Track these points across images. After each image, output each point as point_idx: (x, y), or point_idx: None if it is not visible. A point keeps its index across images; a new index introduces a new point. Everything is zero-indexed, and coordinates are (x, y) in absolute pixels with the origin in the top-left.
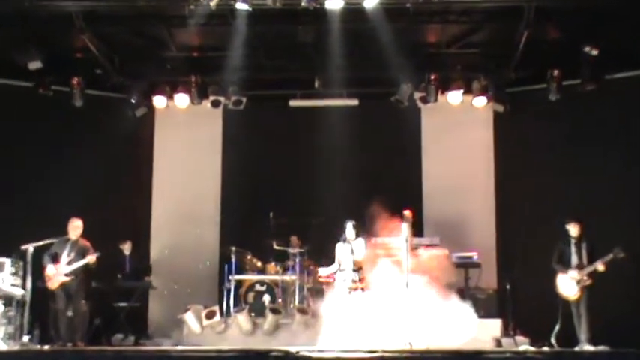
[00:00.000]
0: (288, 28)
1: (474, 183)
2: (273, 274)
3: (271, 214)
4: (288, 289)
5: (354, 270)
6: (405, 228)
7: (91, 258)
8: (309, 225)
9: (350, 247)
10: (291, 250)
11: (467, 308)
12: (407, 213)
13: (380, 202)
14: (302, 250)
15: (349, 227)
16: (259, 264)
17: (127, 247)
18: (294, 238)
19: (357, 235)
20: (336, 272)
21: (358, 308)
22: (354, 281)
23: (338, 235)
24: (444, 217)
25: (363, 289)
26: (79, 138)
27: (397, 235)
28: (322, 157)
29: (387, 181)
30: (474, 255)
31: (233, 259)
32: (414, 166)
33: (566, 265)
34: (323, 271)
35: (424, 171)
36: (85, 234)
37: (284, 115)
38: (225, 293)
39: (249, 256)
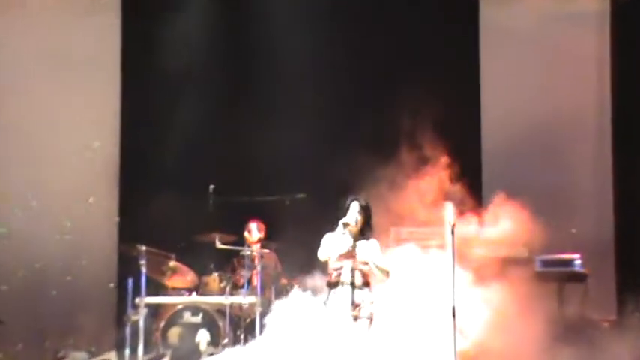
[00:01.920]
0: None
1: (573, 127)
2: (216, 293)
3: (210, 188)
4: (241, 320)
5: (360, 287)
6: (449, 211)
7: None
8: (278, 206)
9: (352, 245)
10: (247, 251)
11: None
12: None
13: (401, 165)
14: (267, 251)
15: (354, 208)
16: (190, 276)
17: None
18: (252, 229)
19: (368, 224)
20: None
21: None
22: (356, 306)
23: (330, 222)
24: (519, 189)
25: (371, 321)
26: None
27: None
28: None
29: (412, 125)
30: (576, 259)
31: (143, 269)
32: (462, 96)
33: None
34: (329, 250)
35: (483, 106)
36: None
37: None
38: (127, 329)
39: (171, 263)
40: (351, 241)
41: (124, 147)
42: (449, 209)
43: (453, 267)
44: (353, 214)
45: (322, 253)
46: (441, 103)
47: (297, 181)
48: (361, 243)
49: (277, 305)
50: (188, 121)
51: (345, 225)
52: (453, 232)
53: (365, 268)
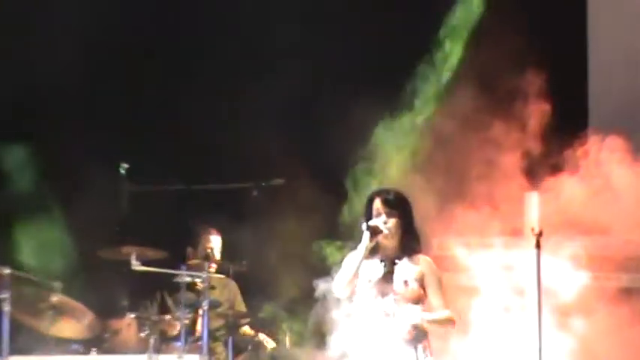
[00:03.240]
0: None
1: None
2: (132, 349)
3: (122, 169)
4: None
5: (407, 342)
6: (533, 213)
7: None
8: (240, 200)
9: (387, 269)
10: (187, 278)
11: None
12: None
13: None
14: (220, 277)
15: (376, 209)
16: (87, 320)
17: None
18: (207, 240)
19: (409, 231)
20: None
21: None
22: None
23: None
24: None
25: None
26: None
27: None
28: None
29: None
30: None
31: (5, 307)
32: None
33: None
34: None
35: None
36: None
37: None
38: None
39: (54, 298)
40: (383, 264)
41: None
42: (533, 204)
43: (539, 300)
44: (378, 217)
45: (340, 284)
46: None
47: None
48: (404, 266)
49: None
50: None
51: (373, 231)
52: (538, 244)
53: (409, 306)
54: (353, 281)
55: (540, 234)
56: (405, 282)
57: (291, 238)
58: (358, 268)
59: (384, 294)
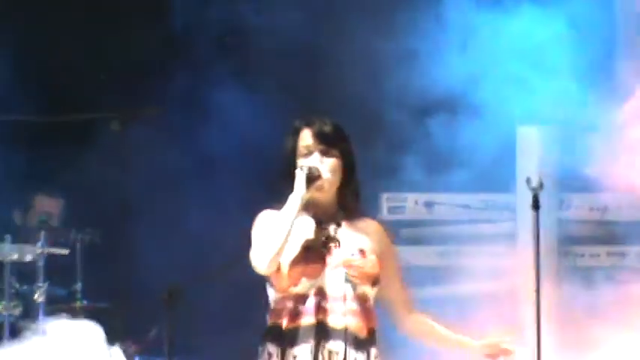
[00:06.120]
0: None
1: None
2: None
3: None
4: None
5: (354, 338)
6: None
7: None
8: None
9: (325, 233)
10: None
11: None
12: None
13: None
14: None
15: (306, 143)
16: None
17: None
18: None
19: (350, 179)
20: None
21: None
22: None
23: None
24: None
25: None
26: None
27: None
28: None
29: None
30: None
31: None
32: None
33: None
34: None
35: None
36: None
37: None
38: None
39: None
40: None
41: None
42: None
43: (538, 286)
44: (313, 157)
45: (261, 255)
46: None
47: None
48: (345, 230)
49: None
50: None
51: (311, 175)
52: (536, 205)
53: (365, 288)
54: (283, 248)
55: (540, 187)
56: (361, 251)
57: None
58: (290, 229)
59: (329, 267)
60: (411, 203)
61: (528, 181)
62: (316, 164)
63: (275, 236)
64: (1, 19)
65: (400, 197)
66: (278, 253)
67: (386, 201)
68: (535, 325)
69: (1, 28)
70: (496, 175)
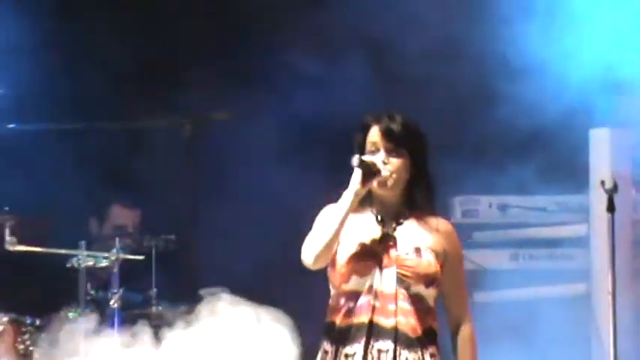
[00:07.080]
0: None
1: None
2: None
3: None
4: None
5: (408, 339)
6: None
7: None
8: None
9: (384, 230)
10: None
11: None
12: None
13: None
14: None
15: (373, 141)
16: None
17: None
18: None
19: (421, 177)
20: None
21: None
22: None
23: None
24: None
25: None
26: None
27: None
28: None
29: None
30: None
31: None
32: None
33: None
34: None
35: None
36: None
37: None
38: None
39: None
40: (379, 222)
41: None
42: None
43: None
44: (379, 155)
45: (309, 249)
46: None
47: None
48: (406, 228)
49: None
50: None
51: (368, 170)
52: (612, 207)
53: (419, 288)
54: (333, 244)
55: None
56: (417, 250)
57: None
58: (342, 225)
59: (381, 266)
60: (484, 206)
61: (603, 183)
62: (378, 161)
63: (324, 231)
64: (74, 21)
65: (473, 200)
66: (326, 249)
67: (459, 204)
68: (611, 328)
69: (75, 30)
70: (569, 177)
